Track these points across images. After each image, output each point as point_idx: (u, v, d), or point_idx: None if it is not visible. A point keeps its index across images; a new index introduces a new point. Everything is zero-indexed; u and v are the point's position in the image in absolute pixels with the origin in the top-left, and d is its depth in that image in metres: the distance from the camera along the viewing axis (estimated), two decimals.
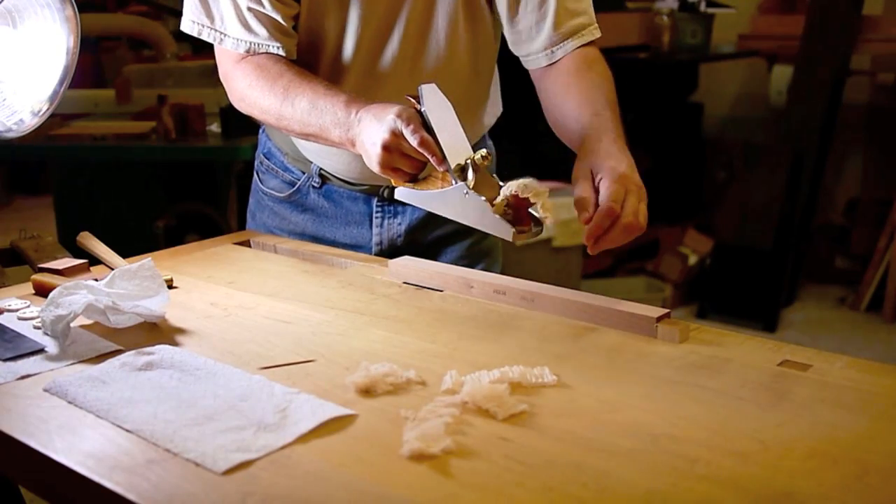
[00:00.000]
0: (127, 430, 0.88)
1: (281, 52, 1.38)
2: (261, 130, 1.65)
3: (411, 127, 1.20)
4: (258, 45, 1.37)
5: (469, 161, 1.21)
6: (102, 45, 4.99)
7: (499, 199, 1.19)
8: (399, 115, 1.20)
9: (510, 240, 1.19)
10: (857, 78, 4.28)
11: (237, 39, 1.38)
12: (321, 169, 1.54)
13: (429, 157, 1.21)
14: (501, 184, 1.21)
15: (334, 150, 1.45)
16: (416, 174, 1.27)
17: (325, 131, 1.30)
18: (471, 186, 1.20)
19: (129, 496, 0.77)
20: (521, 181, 1.17)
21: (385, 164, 1.23)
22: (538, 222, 1.20)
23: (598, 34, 1.42)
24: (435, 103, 1.23)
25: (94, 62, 4.69)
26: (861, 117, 4.46)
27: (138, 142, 3.11)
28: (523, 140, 3.46)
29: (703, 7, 4.52)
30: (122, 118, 3.43)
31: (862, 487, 0.77)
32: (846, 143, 4.47)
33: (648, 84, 4.51)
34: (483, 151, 1.21)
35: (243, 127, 2.93)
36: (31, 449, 0.86)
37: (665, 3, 4.45)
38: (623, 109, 1.32)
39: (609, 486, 0.77)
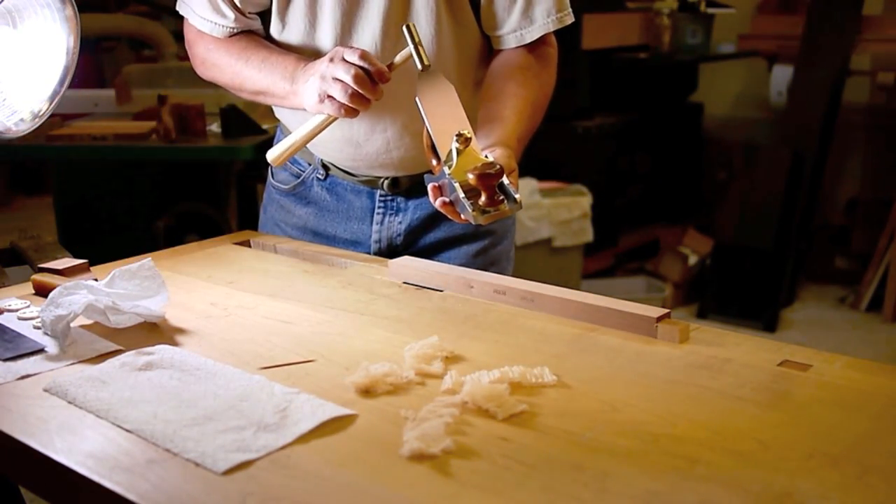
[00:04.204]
0: (127, 430, 0.88)
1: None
2: (278, 127, 1.66)
3: (352, 49, 1.28)
4: (223, 27, 1.46)
5: (453, 145, 1.22)
6: (102, 45, 4.98)
7: (469, 178, 1.18)
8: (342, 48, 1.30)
9: (473, 221, 1.19)
10: (857, 78, 4.28)
11: (204, 19, 1.47)
12: (323, 159, 1.55)
13: (367, 66, 1.27)
14: (490, 159, 1.21)
15: (334, 138, 1.47)
16: (348, 103, 1.29)
17: (273, 85, 1.40)
18: (449, 170, 1.21)
19: (129, 496, 0.77)
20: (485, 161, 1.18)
21: (320, 91, 1.30)
22: (512, 199, 1.19)
23: (567, 21, 1.45)
24: (432, 87, 1.26)
25: (94, 62, 4.69)
26: (861, 117, 4.46)
27: (138, 142, 3.10)
28: None
29: (703, 7, 4.52)
30: (122, 118, 3.42)
31: (862, 487, 0.77)
32: (846, 143, 4.47)
33: (648, 84, 4.51)
34: (464, 131, 1.21)
35: (243, 127, 2.93)
36: (31, 449, 0.86)
37: (665, 3, 4.46)
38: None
39: (609, 486, 0.77)
